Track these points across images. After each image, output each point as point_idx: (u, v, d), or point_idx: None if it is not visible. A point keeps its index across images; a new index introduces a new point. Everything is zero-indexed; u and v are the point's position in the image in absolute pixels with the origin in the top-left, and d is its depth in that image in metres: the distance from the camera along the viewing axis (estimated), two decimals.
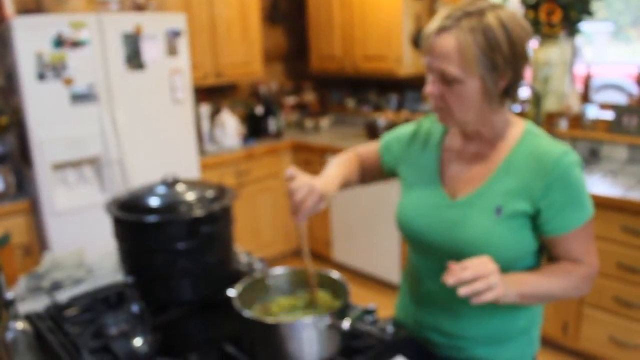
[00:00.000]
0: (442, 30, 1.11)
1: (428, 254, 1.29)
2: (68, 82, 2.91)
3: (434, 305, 1.30)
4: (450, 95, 1.14)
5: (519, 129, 1.22)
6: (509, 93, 1.15)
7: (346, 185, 1.41)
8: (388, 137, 1.47)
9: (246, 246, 3.67)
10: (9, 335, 1.16)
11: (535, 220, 1.18)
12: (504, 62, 1.10)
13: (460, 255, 1.17)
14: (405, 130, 1.43)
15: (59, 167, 2.98)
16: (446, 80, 1.13)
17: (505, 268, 1.14)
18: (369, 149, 1.50)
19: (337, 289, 1.28)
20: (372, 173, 1.49)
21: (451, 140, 1.32)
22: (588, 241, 1.21)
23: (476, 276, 1.01)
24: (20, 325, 1.18)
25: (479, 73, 1.10)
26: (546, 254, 1.26)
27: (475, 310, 1.24)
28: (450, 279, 1.02)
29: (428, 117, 1.41)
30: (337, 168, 1.40)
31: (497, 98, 1.15)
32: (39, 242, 3.09)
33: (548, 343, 2.91)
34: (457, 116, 1.17)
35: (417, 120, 1.44)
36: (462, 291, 1.00)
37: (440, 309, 1.29)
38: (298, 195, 1.19)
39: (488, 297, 1.01)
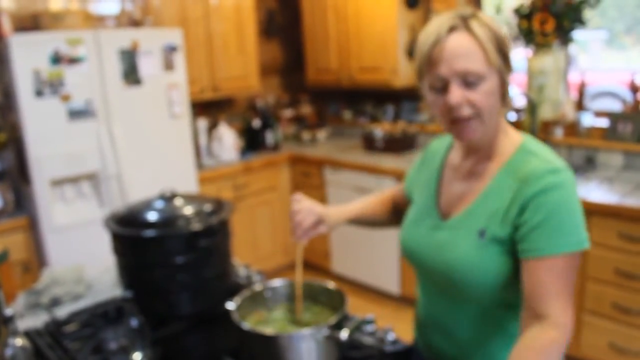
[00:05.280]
0: (451, 30, 1.07)
1: (423, 275, 1.28)
2: (65, 98, 2.92)
3: (432, 325, 1.28)
4: (476, 97, 1.07)
5: (514, 144, 1.16)
6: (505, 96, 1.13)
7: (365, 217, 1.46)
8: (409, 170, 1.47)
9: (244, 259, 3.67)
10: (8, 352, 1.16)
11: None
12: (508, 56, 1.10)
13: (448, 277, 1.15)
14: (418, 157, 1.43)
15: (57, 183, 2.99)
16: (468, 82, 1.07)
17: (489, 294, 1.11)
18: (400, 186, 1.50)
19: (335, 300, 1.28)
20: (405, 210, 1.45)
21: (453, 156, 1.29)
22: (562, 282, 1.02)
23: None
24: (19, 341, 1.18)
25: (497, 66, 1.08)
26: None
27: (472, 334, 1.20)
28: None
29: (437, 139, 1.39)
30: (359, 202, 1.48)
31: (505, 101, 1.12)
32: (37, 259, 3.09)
33: None
34: (486, 119, 1.09)
35: (427, 146, 1.43)
36: None
37: (438, 329, 1.26)
38: (297, 215, 1.29)
39: None
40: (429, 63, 1.09)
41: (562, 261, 1.03)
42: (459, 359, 1.24)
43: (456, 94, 1.06)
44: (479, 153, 1.19)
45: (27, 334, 1.45)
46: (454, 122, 1.10)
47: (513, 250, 1.09)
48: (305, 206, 1.31)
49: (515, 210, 1.08)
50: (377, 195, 1.52)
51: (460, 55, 1.06)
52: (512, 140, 1.17)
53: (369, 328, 1.19)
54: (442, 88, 1.09)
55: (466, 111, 1.08)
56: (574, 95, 3.35)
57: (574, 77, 3.42)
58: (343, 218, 1.40)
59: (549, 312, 1.01)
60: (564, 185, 1.06)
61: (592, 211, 2.56)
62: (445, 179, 1.27)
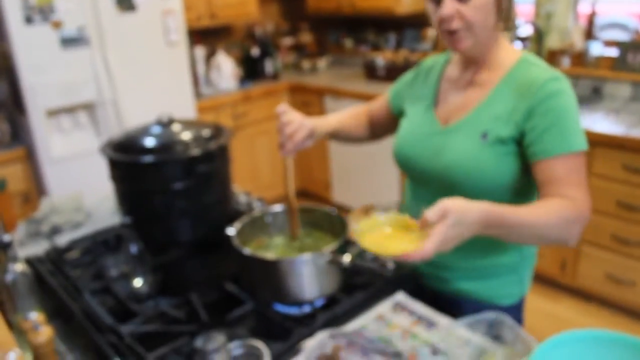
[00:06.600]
0: None
1: (419, 181, 1.30)
2: (57, 24, 2.82)
3: None
4: (467, 10, 1.11)
5: (514, 57, 1.21)
6: (500, 11, 1.15)
7: (343, 131, 1.47)
8: (395, 84, 1.48)
9: (245, 188, 3.67)
10: (9, 277, 1.16)
11: (520, 145, 1.15)
12: None
13: (448, 180, 1.18)
14: (409, 72, 1.45)
15: (53, 113, 2.93)
16: None
17: (489, 197, 1.10)
18: (379, 102, 1.52)
19: (336, 226, 1.27)
20: (384, 124, 1.51)
21: (451, 69, 1.31)
22: (576, 175, 1.10)
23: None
24: (19, 266, 1.17)
25: None
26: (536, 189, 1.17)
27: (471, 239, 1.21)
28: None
29: (431, 56, 1.41)
30: (338, 114, 1.48)
31: (501, 17, 1.15)
32: (37, 189, 3.08)
33: (546, 281, 2.95)
34: (477, 32, 1.14)
35: (419, 62, 1.45)
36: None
37: None
38: (288, 128, 1.25)
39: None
40: None
41: (574, 158, 1.10)
42: (443, 264, 1.28)
43: (448, 6, 1.11)
44: (478, 64, 1.23)
45: (29, 261, 1.45)
46: (446, 33, 1.16)
47: (515, 152, 1.15)
48: (295, 118, 1.27)
49: (520, 114, 1.13)
50: (350, 110, 1.54)
51: None
52: (512, 53, 1.22)
53: (371, 254, 1.18)
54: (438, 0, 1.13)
55: (455, 24, 1.13)
56: (582, 24, 3.23)
57: (584, 8, 3.29)
58: (326, 131, 1.40)
59: (572, 196, 1.07)
60: (565, 91, 1.13)
61: (597, 142, 2.52)
62: (443, 91, 1.31)
